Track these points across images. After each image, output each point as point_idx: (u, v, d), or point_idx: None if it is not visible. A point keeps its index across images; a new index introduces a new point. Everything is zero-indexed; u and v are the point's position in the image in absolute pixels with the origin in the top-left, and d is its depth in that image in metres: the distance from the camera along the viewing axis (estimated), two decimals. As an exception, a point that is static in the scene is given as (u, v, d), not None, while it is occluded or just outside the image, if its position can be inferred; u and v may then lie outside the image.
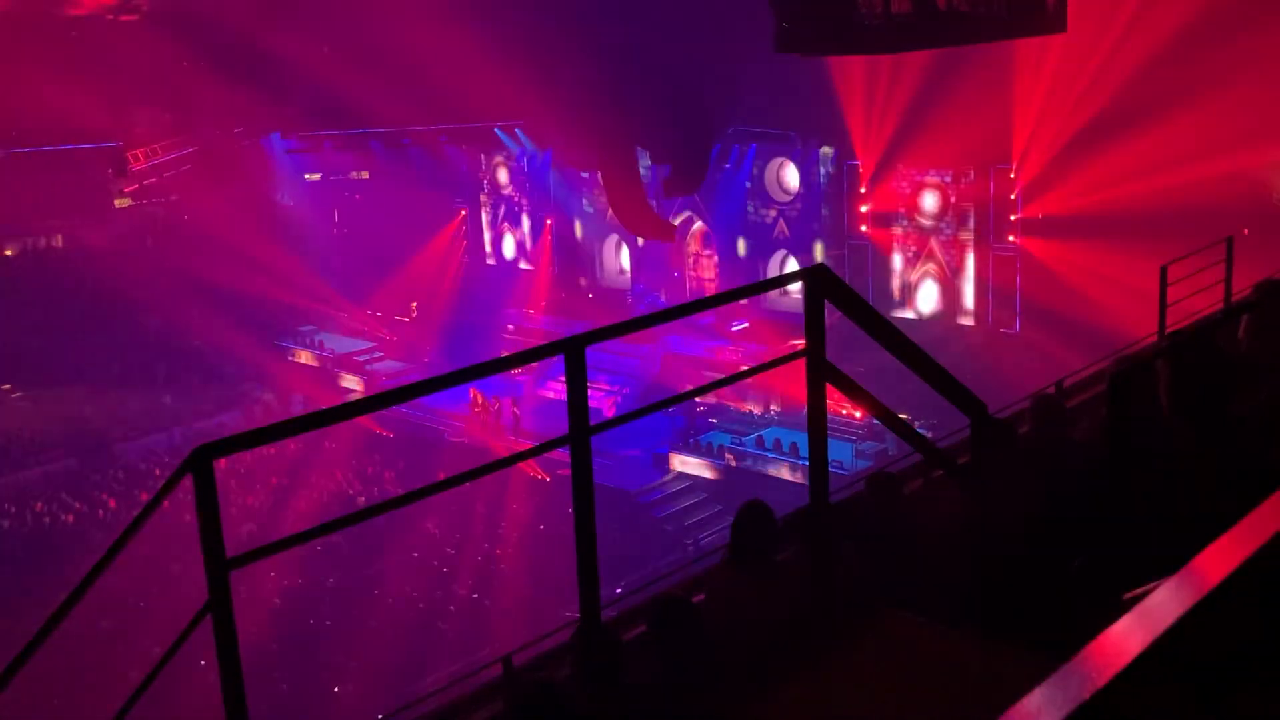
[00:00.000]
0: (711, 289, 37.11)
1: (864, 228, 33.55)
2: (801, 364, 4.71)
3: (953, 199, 31.95)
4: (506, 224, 43.26)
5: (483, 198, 43.73)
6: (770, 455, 30.71)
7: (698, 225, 37.97)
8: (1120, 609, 1.65)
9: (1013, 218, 30.74)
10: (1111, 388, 4.82)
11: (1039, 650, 3.21)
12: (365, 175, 44.26)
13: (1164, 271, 9.05)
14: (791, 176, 35.50)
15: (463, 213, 44.17)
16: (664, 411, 29.70)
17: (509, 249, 43.34)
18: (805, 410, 4.80)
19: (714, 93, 31.26)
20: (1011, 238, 30.84)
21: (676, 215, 37.45)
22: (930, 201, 32.39)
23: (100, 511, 31.46)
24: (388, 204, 42.97)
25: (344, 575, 27.43)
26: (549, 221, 41.48)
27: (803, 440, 5.49)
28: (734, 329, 34.93)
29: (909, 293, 33.16)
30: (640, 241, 38.45)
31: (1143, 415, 4.61)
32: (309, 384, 39.64)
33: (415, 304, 42.85)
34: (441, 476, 4.08)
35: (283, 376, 40.05)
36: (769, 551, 5.09)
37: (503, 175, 42.92)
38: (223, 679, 3.37)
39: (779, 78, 27.62)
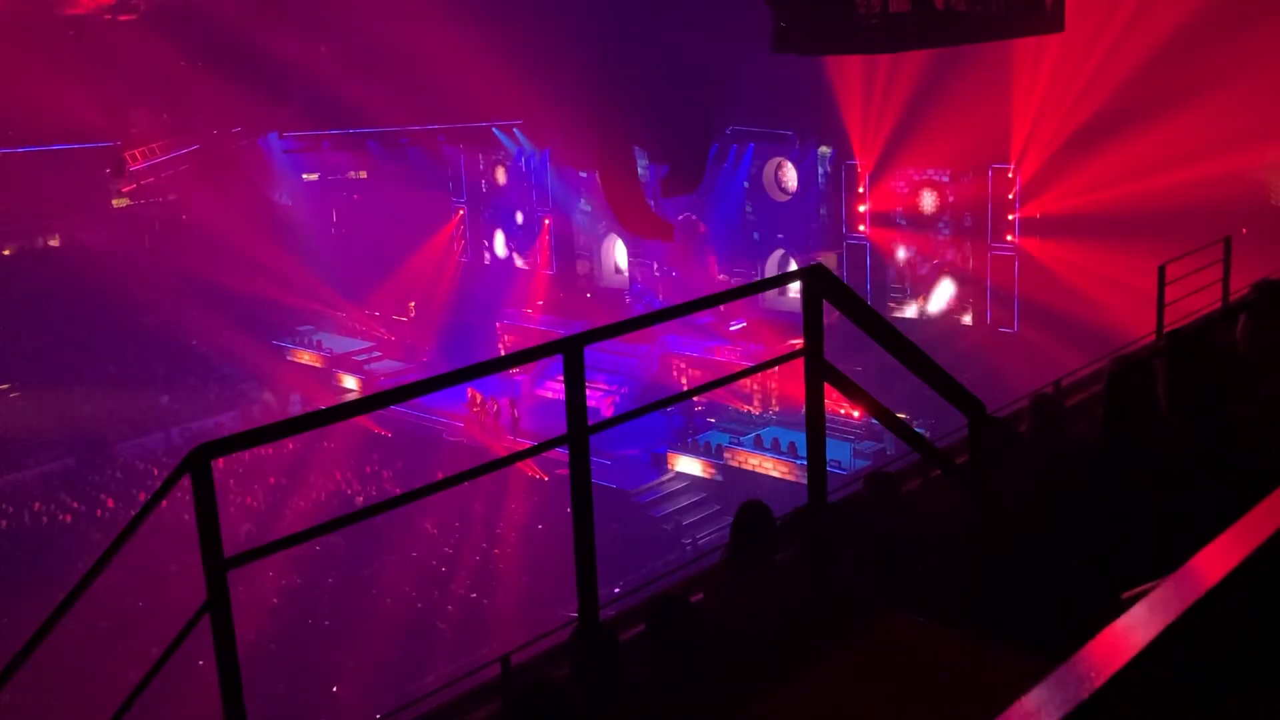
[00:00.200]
0: (709, 289, 37.12)
1: (862, 227, 33.55)
2: (800, 363, 4.71)
3: (951, 199, 31.95)
4: (504, 224, 43.25)
5: (481, 197, 43.73)
6: (769, 455, 30.71)
7: (696, 225, 37.95)
8: (1118, 608, 1.65)
9: (1011, 217, 30.75)
10: (1110, 387, 4.82)
11: (1037, 650, 3.21)
12: (363, 175, 44.26)
13: (1162, 271, 9.06)
14: (790, 176, 35.50)
15: (460, 212, 44.17)
16: (662, 411, 29.75)
17: (506, 249, 43.34)
18: (804, 410, 4.81)
19: (712, 92, 31.25)
20: (1010, 237, 30.85)
21: (676, 216, 37.44)
22: (928, 201, 32.40)
23: (98, 511, 31.45)
24: (386, 204, 42.96)
25: (342, 575, 27.42)
26: (547, 221, 41.49)
27: (801, 440, 5.50)
28: (732, 329, 34.92)
29: (907, 292, 33.16)
30: (638, 242, 38.44)
31: (1141, 415, 4.62)
32: (307, 384, 39.64)
33: (413, 304, 42.85)
34: (440, 476, 4.08)
35: (281, 376, 40.06)
36: (767, 551, 5.09)
37: (500, 175, 42.91)
38: (221, 679, 3.36)
39: (777, 77, 27.62)
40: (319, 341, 42.27)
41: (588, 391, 4.23)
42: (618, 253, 40.45)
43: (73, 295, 39.21)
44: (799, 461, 27.62)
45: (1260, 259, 10.03)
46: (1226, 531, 1.79)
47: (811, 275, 4.61)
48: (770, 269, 35.58)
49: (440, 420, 35.23)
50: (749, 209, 36.27)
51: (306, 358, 41.84)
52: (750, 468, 30.84)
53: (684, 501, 31.28)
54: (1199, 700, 1.86)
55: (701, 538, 28.78)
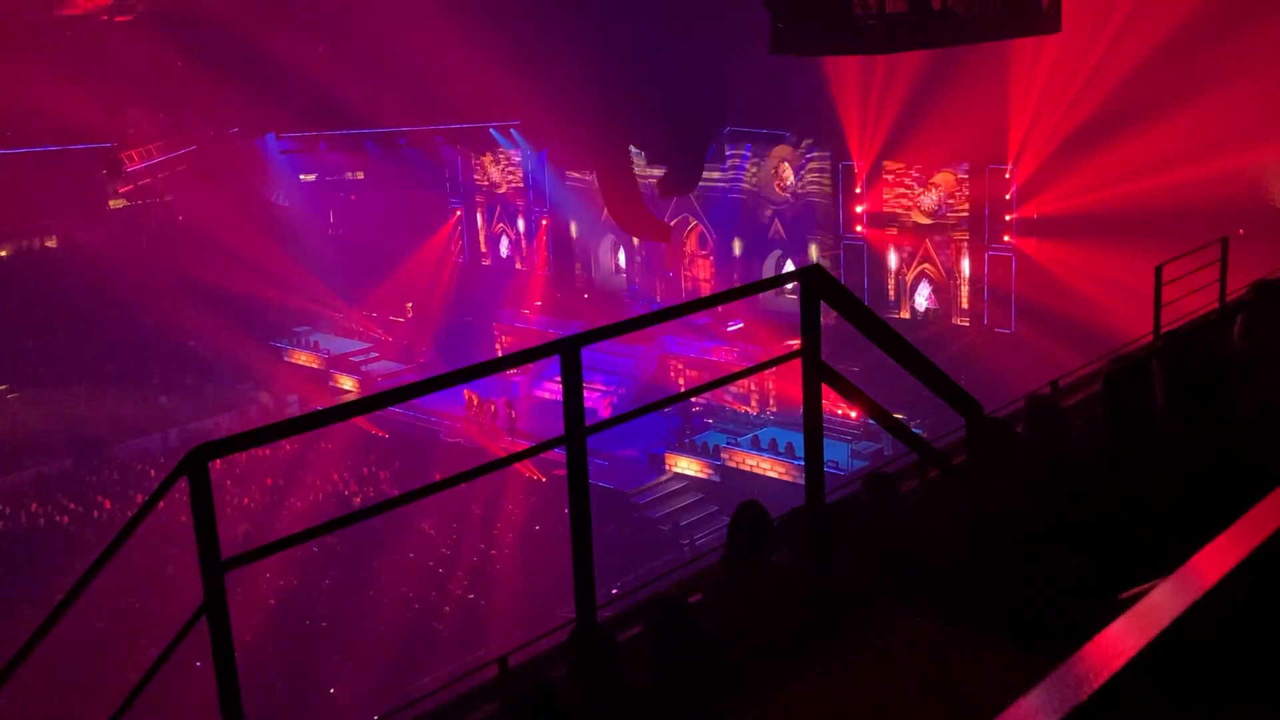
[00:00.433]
0: (707, 289, 37.12)
1: (859, 228, 33.58)
2: (797, 364, 4.71)
3: (948, 199, 31.98)
4: (502, 224, 43.25)
5: (478, 198, 43.72)
6: (766, 455, 30.72)
7: (693, 225, 37.96)
8: (1117, 609, 1.65)
9: (1008, 218, 30.78)
10: (1107, 387, 4.82)
11: (1036, 650, 3.21)
12: (360, 176, 44.26)
13: (1159, 271, 9.05)
14: (787, 177, 35.51)
15: (458, 213, 44.17)
16: (660, 412, 29.77)
17: (504, 249, 43.33)
18: (801, 410, 4.81)
19: (710, 93, 31.28)
20: (1007, 237, 30.88)
21: (673, 216, 37.45)
22: (925, 201, 32.42)
23: (95, 512, 31.41)
24: (383, 204, 42.96)
25: (340, 576, 27.41)
26: (544, 222, 41.48)
27: (798, 440, 5.50)
28: (730, 329, 34.94)
29: (904, 293, 33.19)
30: (636, 242, 38.44)
31: (1138, 415, 4.62)
32: (304, 384, 39.61)
33: (410, 304, 42.83)
34: (437, 477, 4.07)
35: (278, 377, 40.03)
36: (765, 552, 5.09)
37: (497, 175, 42.90)
38: (218, 680, 3.36)
39: (775, 78, 27.65)
40: (316, 342, 42.25)
41: (585, 392, 4.22)
42: (616, 253, 40.46)
43: (70, 296, 39.19)
44: (796, 462, 27.62)
45: (1258, 259, 10.03)
46: (1225, 532, 1.79)
47: (809, 276, 4.61)
48: (768, 269, 35.59)
49: (438, 421, 35.22)
50: (746, 209, 36.26)
51: (304, 358, 41.82)
52: (748, 468, 30.84)
53: (682, 502, 31.28)
54: (1198, 701, 1.86)
55: (699, 538, 28.80)
